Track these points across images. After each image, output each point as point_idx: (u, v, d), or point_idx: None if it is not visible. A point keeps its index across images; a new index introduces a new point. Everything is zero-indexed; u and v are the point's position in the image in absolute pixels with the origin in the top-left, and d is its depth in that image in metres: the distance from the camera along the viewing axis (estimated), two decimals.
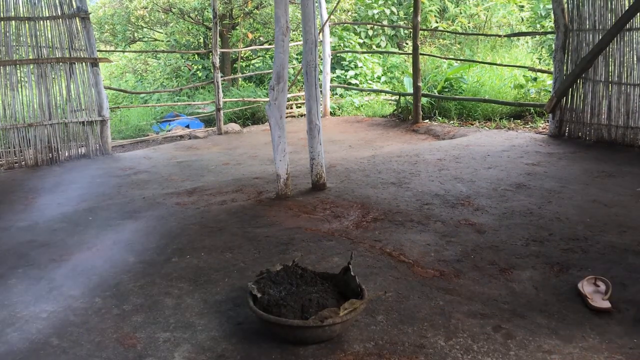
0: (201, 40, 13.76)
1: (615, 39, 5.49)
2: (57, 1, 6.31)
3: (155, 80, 13.28)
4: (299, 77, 9.94)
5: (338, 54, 10.83)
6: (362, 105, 10.15)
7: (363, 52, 11.05)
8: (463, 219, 3.57)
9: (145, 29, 14.52)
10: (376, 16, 11.97)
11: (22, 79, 6.31)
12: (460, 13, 12.50)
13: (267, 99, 5.42)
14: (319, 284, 2.44)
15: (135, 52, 14.21)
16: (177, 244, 3.34)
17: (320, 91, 6.74)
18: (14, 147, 6.21)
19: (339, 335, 2.17)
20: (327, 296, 2.32)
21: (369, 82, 11.22)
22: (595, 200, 3.86)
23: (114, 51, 13.01)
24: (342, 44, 11.47)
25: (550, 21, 9.97)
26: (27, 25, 6.19)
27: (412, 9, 8.57)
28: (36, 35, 6.23)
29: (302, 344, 2.13)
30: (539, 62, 9.91)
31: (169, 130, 9.06)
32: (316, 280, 2.47)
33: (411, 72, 7.84)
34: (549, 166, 4.88)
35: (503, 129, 7.15)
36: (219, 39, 8.70)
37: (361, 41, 12.00)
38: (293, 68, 10.62)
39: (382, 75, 11.49)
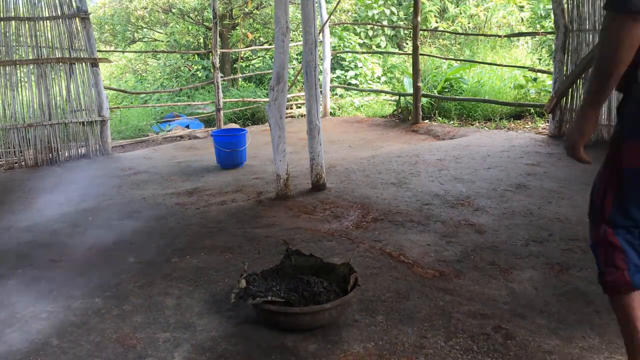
0: (201, 41, 13.76)
1: None
2: (57, 1, 6.31)
3: (155, 80, 13.26)
4: (299, 77, 9.94)
5: (338, 54, 10.82)
6: (362, 106, 10.15)
7: (363, 53, 11.05)
8: (463, 219, 3.57)
9: (145, 29, 14.52)
10: (376, 16, 11.97)
11: (22, 79, 6.30)
12: (460, 13, 12.50)
13: (267, 99, 5.42)
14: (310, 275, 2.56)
15: (135, 52, 14.21)
16: (177, 244, 3.34)
17: (320, 91, 6.73)
18: (14, 147, 6.20)
19: (333, 324, 2.25)
20: (320, 285, 2.42)
21: (369, 82, 11.22)
22: None
23: (114, 51, 13.00)
24: (342, 44, 11.46)
25: (550, 21, 9.97)
26: (27, 25, 6.19)
27: (412, 9, 8.57)
28: (36, 35, 6.22)
29: (290, 329, 2.23)
30: (539, 63, 9.90)
31: (169, 131, 9.05)
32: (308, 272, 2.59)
33: (411, 72, 7.83)
34: (548, 166, 4.88)
35: (503, 129, 7.14)
36: (218, 39, 8.70)
37: (361, 41, 11.99)
38: (293, 68, 10.62)
39: (382, 75, 11.48)
